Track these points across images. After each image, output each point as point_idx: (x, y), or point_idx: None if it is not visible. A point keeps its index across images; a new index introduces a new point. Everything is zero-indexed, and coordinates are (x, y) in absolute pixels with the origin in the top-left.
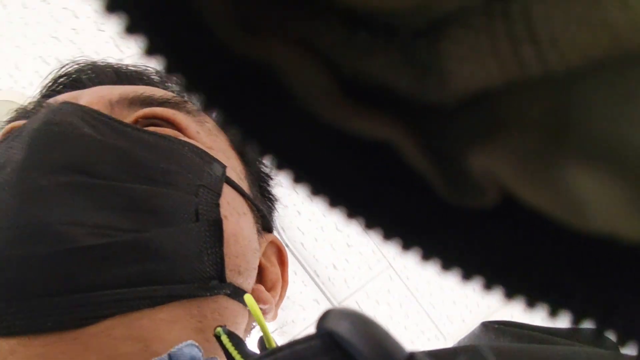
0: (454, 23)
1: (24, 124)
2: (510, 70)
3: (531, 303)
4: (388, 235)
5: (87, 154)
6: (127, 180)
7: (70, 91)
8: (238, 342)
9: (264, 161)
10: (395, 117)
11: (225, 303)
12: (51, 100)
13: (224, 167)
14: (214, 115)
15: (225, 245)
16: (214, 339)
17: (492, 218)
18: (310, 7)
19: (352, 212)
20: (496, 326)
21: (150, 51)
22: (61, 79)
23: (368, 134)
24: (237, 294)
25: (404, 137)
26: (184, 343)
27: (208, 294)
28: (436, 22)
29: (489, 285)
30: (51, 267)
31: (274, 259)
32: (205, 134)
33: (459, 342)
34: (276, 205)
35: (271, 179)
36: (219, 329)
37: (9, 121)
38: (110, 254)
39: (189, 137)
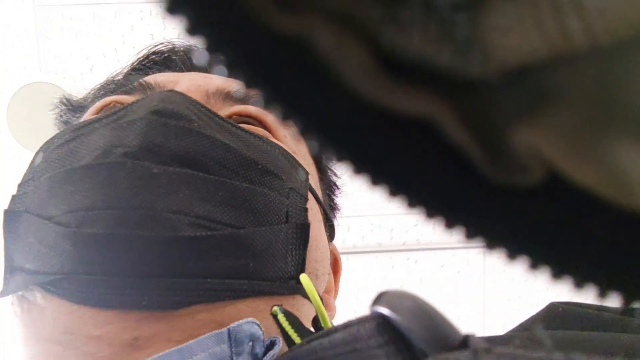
0: None
1: (131, 105)
2: (555, 42)
3: (579, 283)
4: (431, 213)
5: (197, 148)
6: (230, 177)
7: (162, 69)
8: (294, 321)
9: (336, 171)
10: (436, 93)
11: (302, 301)
12: (150, 80)
13: (307, 173)
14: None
15: (307, 249)
16: None
17: (537, 196)
18: None
19: (394, 190)
20: (561, 308)
21: (191, 31)
22: (153, 56)
23: (408, 110)
24: None
25: (445, 112)
26: (244, 320)
27: (287, 292)
28: None
29: (535, 265)
30: (154, 250)
31: (330, 268)
32: (290, 138)
33: (522, 323)
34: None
35: (338, 189)
36: (276, 308)
37: (102, 91)
38: (208, 246)
39: (277, 139)
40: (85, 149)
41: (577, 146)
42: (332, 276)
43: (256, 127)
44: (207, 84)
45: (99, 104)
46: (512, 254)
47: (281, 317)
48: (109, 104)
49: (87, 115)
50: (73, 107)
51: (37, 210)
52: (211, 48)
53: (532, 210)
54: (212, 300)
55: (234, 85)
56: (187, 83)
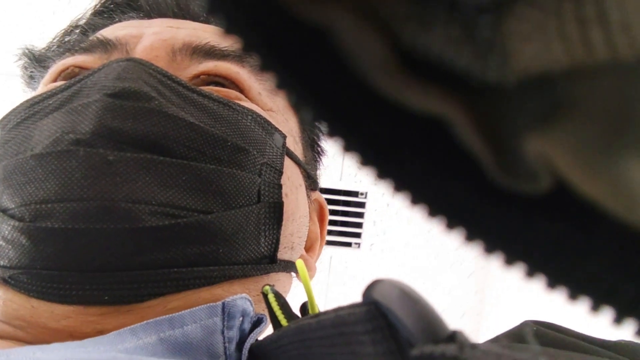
0: (521, 0)
1: (87, 79)
2: (576, 53)
3: (574, 295)
4: (433, 212)
5: (157, 130)
6: (195, 158)
7: (125, 11)
8: (283, 303)
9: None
10: (452, 94)
11: (277, 276)
12: (110, 36)
13: (284, 137)
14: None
15: (282, 225)
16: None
17: (542, 205)
18: None
19: (399, 185)
20: (535, 328)
21: (212, 11)
22: None
23: (422, 108)
24: (286, 267)
25: (459, 114)
26: (238, 295)
27: (261, 273)
28: None
29: (531, 273)
30: (113, 244)
31: (315, 217)
32: (266, 93)
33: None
34: (322, 158)
35: (322, 132)
36: (267, 287)
37: (62, 48)
38: (173, 235)
39: (251, 99)
40: (38, 135)
41: (589, 159)
42: (317, 225)
43: (226, 90)
44: (173, 38)
45: (56, 68)
46: (510, 260)
47: (271, 297)
48: (67, 69)
49: (46, 81)
50: (36, 59)
51: None
52: (230, 29)
53: (536, 218)
54: (181, 289)
55: (202, 38)
56: (151, 38)
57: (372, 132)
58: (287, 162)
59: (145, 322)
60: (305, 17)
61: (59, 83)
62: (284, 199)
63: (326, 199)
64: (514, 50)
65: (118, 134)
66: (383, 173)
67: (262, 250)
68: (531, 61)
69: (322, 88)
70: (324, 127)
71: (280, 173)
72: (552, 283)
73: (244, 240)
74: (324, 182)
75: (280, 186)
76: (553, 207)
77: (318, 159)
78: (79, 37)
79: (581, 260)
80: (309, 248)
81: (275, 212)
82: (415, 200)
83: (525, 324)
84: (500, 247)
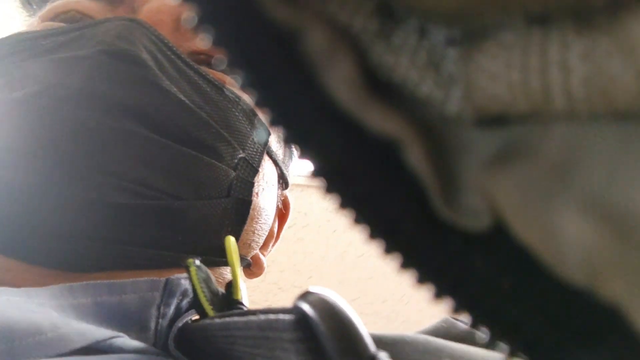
0: (490, 39)
1: (85, 30)
2: (535, 99)
3: (494, 340)
4: (373, 234)
5: (148, 101)
6: (179, 139)
7: None
8: (205, 278)
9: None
10: (409, 118)
11: (227, 269)
12: None
13: (269, 134)
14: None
15: (246, 223)
16: None
17: (479, 243)
18: None
19: (345, 202)
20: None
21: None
22: None
23: (378, 128)
24: (241, 262)
25: (414, 139)
26: (184, 274)
27: (213, 266)
28: (473, 33)
29: (457, 309)
30: (73, 211)
31: (275, 215)
32: None
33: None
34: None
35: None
36: (190, 260)
37: None
38: (136, 215)
39: None
40: (22, 77)
41: (529, 205)
42: (275, 223)
43: (222, 74)
44: (181, 4)
45: (57, 7)
46: (439, 294)
47: (193, 270)
48: (68, 11)
49: (43, 17)
50: None
51: None
52: (203, 20)
53: (471, 255)
54: (130, 268)
55: None
56: (159, 2)
57: (325, 143)
58: (266, 160)
59: (85, 282)
60: (280, 19)
61: (56, 24)
62: (254, 198)
63: None
64: (478, 86)
65: (105, 97)
66: (330, 188)
67: (221, 244)
68: (493, 100)
69: (284, 92)
70: (281, 132)
71: (256, 171)
72: (476, 324)
73: (204, 232)
74: None
75: (252, 184)
76: (489, 246)
77: (290, 157)
78: None
79: (508, 302)
80: (262, 245)
81: (242, 209)
82: (358, 219)
83: (445, 320)
84: (433, 279)
